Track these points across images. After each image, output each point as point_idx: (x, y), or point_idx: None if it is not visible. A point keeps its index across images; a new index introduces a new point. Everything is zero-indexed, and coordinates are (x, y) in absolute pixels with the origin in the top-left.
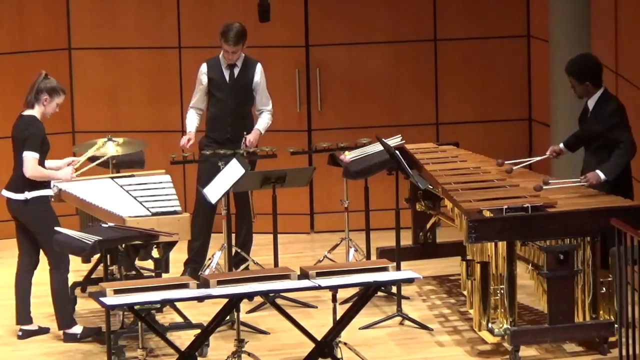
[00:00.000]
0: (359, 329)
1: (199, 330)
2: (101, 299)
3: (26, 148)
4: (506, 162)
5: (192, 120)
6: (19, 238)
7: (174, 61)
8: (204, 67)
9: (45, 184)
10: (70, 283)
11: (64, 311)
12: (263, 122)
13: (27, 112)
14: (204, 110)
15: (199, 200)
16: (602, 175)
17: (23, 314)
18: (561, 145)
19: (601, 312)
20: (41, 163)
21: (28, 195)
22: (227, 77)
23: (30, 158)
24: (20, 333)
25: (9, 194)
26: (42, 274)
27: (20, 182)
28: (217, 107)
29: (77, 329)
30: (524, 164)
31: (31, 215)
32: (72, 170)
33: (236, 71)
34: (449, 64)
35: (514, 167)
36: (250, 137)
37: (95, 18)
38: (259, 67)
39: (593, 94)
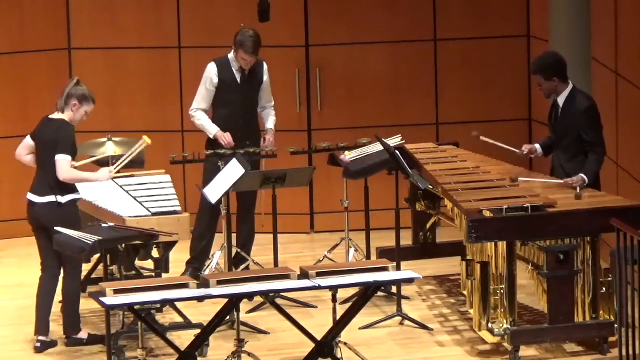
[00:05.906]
0: (359, 329)
1: (199, 330)
2: (101, 299)
3: (59, 151)
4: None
5: (209, 121)
6: (42, 246)
7: (174, 61)
8: (213, 68)
9: (75, 188)
10: None
11: (73, 317)
12: (273, 120)
13: (56, 116)
14: (209, 111)
15: (204, 200)
16: (586, 180)
17: (43, 324)
18: (537, 145)
19: (601, 312)
20: None
21: (61, 199)
22: (238, 79)
23: (64, 161)
24: (38, 345)
25: (36, 198)
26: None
27: (48, 185)
28: (229, 108)
29: (82, 335)
30: (497, 145)
31: (63, 219)
32: (109, 171)
33: (247, 72)
34: (449, 64)
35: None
36: (271, 139)
37: (95, 18)
38: (265, 67)
39: (562, 91)
